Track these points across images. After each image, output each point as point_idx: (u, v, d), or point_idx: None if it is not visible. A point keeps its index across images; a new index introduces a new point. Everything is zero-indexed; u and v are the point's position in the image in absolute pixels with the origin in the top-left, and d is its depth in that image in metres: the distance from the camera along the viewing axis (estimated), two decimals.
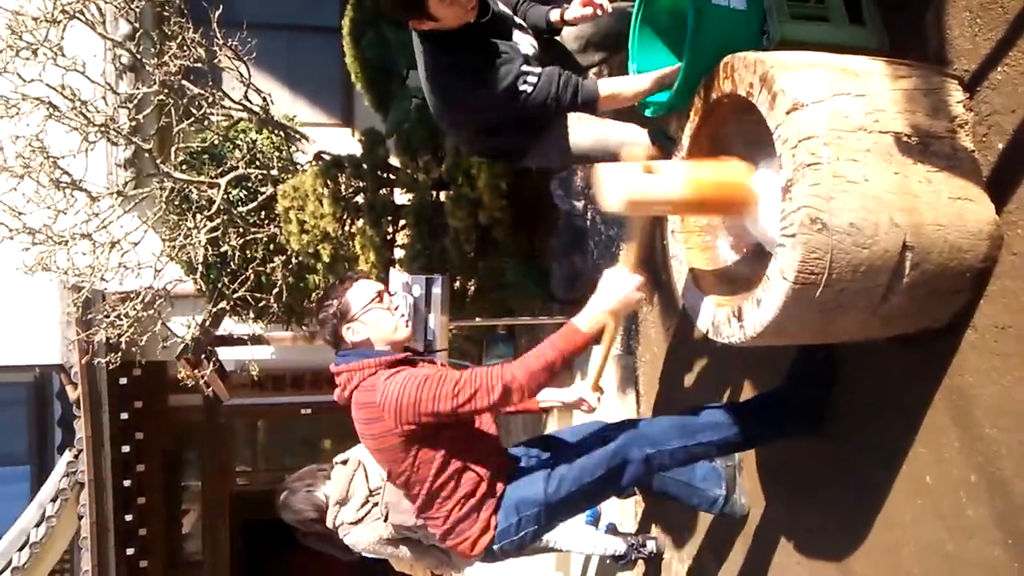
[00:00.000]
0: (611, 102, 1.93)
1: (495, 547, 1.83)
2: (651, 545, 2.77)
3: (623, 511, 3.03)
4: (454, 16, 1.81)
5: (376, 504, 2.14)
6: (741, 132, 1.71)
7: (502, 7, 2.03)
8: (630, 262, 1.71)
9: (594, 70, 2.31)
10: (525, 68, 1.88)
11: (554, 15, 2.05)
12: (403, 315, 1.91)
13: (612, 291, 1.71)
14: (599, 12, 1.98)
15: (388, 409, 1.72)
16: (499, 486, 1.83)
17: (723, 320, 1.64)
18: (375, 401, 1.74)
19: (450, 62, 1.90)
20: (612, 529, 2.97)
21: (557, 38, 2.16)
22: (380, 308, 1.84)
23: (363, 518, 2.17)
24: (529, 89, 1.87)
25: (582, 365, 3.59)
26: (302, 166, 4.70)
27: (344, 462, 2.20)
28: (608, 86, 1.93)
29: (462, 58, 1.88)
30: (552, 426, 3.66)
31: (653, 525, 2.87)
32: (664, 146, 2.05)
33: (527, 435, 4.15)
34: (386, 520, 2.12)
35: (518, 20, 2.05)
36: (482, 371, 1.72)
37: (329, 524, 2.17)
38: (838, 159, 1.40)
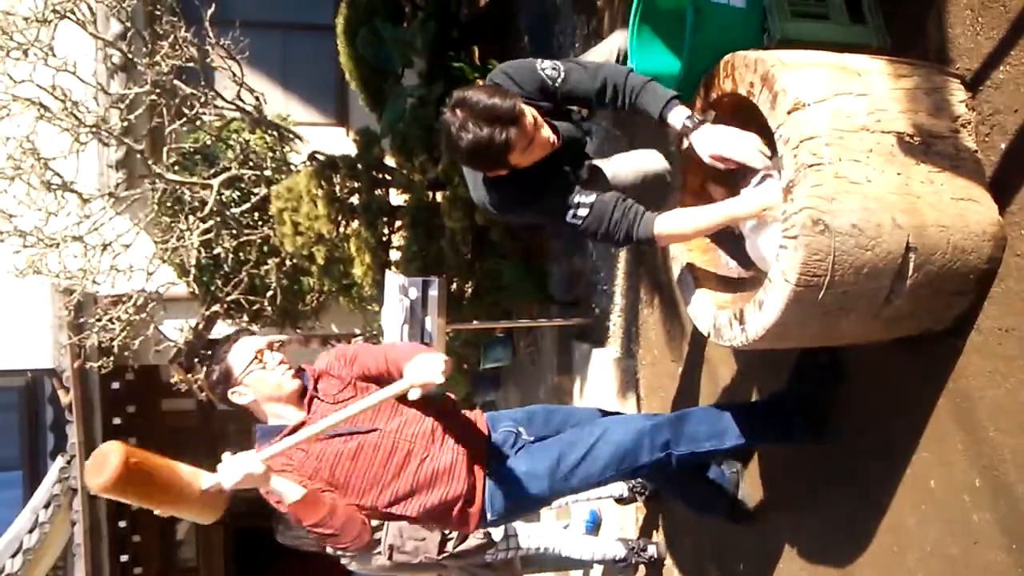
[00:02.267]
0: (668, 241, 1.75)
1: (488, 524, 1.90)
2: (652, 550, 2.76)
3: (624, 516, 3.02)
4: (532, 160, 1.70)
5: (378, 541, 2.15)
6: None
7: (570, 124, 1.84)
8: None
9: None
10: (578, 199, 1.71)
11: (677, 120, 1.64)
12: (289, 367, 1.83)
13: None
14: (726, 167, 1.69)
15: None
16: (473, 485, 1.84)
17: (724, 323, 1.62)
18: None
19: (506, 191, 1.79)
20: (597, 521, 2.98)
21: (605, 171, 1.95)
22: (259, 369, 1.80)
23: (365, 551, 2.16)
24: (579, 223, 1.73)
25: (580, 367, 3.56)
26: (296, 167, 4.66)
27: None
28: (667, 225, 1.67)
29: (518, 187, 1.76)
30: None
31: (654, 531, 2.85)
32: (671, 158, 2.02)
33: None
34: (390, 559, 2.13)
35: (582, 127, 1.89)
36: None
37: (330, 552, 2.16)
38: (840, 159, 1.39)
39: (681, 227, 1.67)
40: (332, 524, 1.71)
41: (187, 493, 1.56)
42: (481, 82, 1.91)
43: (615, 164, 2.03)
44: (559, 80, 1.74)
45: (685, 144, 1.68)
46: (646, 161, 2.07)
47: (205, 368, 1.88)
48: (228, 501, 1.62)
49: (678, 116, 1.63)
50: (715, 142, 1.59)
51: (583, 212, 1.71)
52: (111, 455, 1.48)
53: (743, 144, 1.57)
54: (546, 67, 1.75)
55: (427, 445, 1.82)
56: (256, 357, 1.79)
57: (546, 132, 1.69)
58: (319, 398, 1.82)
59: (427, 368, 1.68)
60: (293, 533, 2.20)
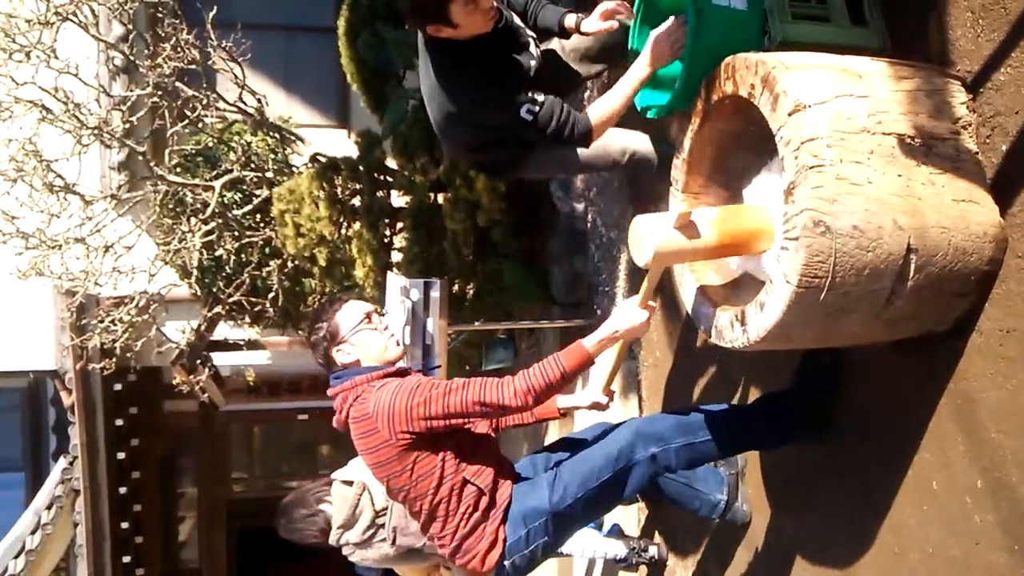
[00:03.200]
0: (606, 126, 1.93)
1: (506, 562, 1.80)
2: (653, 550, 2.76)
3: (626, 517, 3.02)
4: (474, 24, 1.79)
5: (382, 526, 2.14)
6: (743, 134, 1.70)
7: (515, 19, 2.00)
8: (644, 297, 1.74)
9: (593, 81, 2.29)
10: (530, 95, 1.86)
11: (569, 20, 2.02)
12: (393, 334, 1.90)
13: (623, 319, 1.74)
14: (616, 25, 1.96)
15: (380, 418, 1.71)
16: (503, 497, 1.81)
17: (726, 324, 1.62)
18: (368, 412, 1.74)
19: (459, 75, 1.88)
20: (617, 530, 2.96)
21: (555, 47, 2.13)
22: (369, 329, 1.84)
23: (368, 539, 2.15)
24: (530, 118, 1.86)
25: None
26: (298, 168, 4.66)
27: (347, 482, 2.17)
28: (597, 111, 1.91)
29: (471, 72, 1.86)
30: (553, 435, 3.64)
31: (656, 532, 2.85)
32: (666, 153, 2.04)
33: (529, 444, 4.14)
34: (393, 544, 2.12)
35: (527, 32, 2.02)
36: (479, 380, 1.72)
37: (332, 543, 2.16)
38: (841, 161, 1.39)
39: (608, 107, 1.88)
40: (556, 384, 1.75)
41: None
42: None
43: (606, 135, 2.08)
44: None
45: (570, 23, 2.01)
46: (635, 141, 2.14)
47: (308, 329, 1.92)
48: None
49: (569, 16, 1.99)
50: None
51: (535, 108, 1.87)
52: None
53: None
54: None
55: (497, 448, 1.90)
56: (366, 318, 1.84)
57: None
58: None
59: (632, 316, 1.73)
60: (295, 527, 2.20)
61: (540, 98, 1.88)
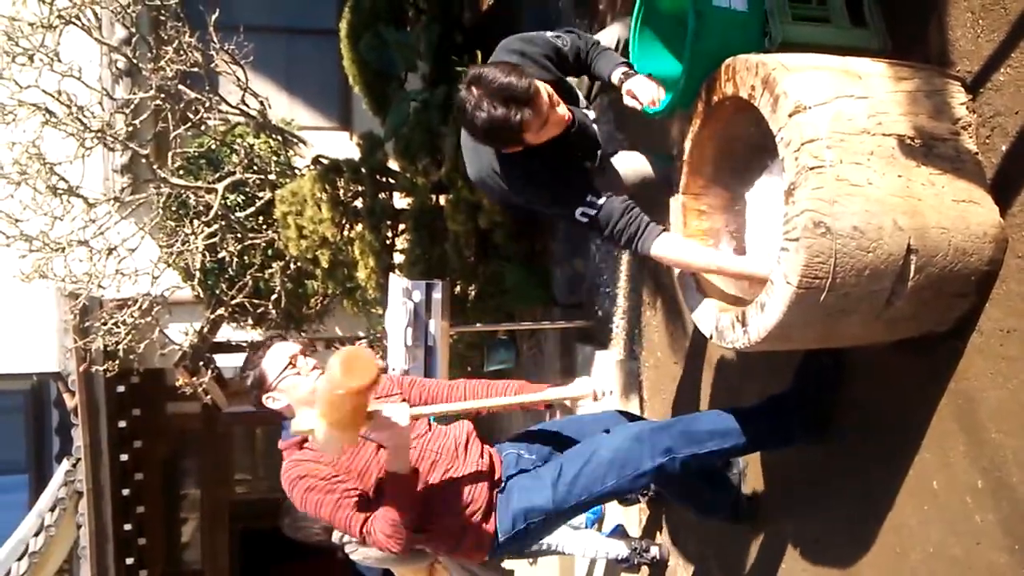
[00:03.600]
0: (662, 262, 1.85)
1: (499, 548, 1.85)
2: (654, 551, 2.76)
3: (628, 518, 3.02)
4: (546, 138, 1.73)
5: None
6: (743, 135, 1.70)
7: (586, 114, 1.92)
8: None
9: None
10: (590, 199, 1.76)
11: (616, 76, 1.87)
12: (320, 372, 1.82)
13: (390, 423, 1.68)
14: (651, 106, 1.84)
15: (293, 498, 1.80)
16: (490, 501, 1.83)
17: (727, 325, 1.62)
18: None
19: (520, 171, 1.81)
20: (620, 531, 2.96)
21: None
22: (293, 375, 1.80)
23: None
24: (585, 220, 1.79)
25: (584, 369, 3.58)
26: (300, 170, 4.68)
27: None
28: (665, 250, 1.74)
29: (534, 170, 1.79)
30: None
31: (658, 532, 2.85)
32: (664, 169, 2.04)
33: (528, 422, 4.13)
34: None
35: (590, 118, 1.95)
36: (348, 516, 1.74)
37: (335, 540, 2.16)
38: (841, 162, 1.39)
39: (677, 258, 1.76)
40: (414, 511, 1.71)
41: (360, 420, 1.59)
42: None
43: (619, 164, 2.06)
44: (565, 42, 1.86)
45: (617, 80, 1.87)
46: (642, 164, 2.12)
47: (240, 374, 1.88)
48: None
49: (617, 71, 1.86)
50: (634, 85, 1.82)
51: (592, 212, 1.77)
52: (374, 365, 1.52)
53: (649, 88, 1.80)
54: (552, 33, 1.88)
55: (451, 459, 1.85)
56: (290, 363, 1.80)
57: (561, 110, 1.73)
58: None
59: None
60: (299, 525, 2.21)
61: (600, 201, 1.76)
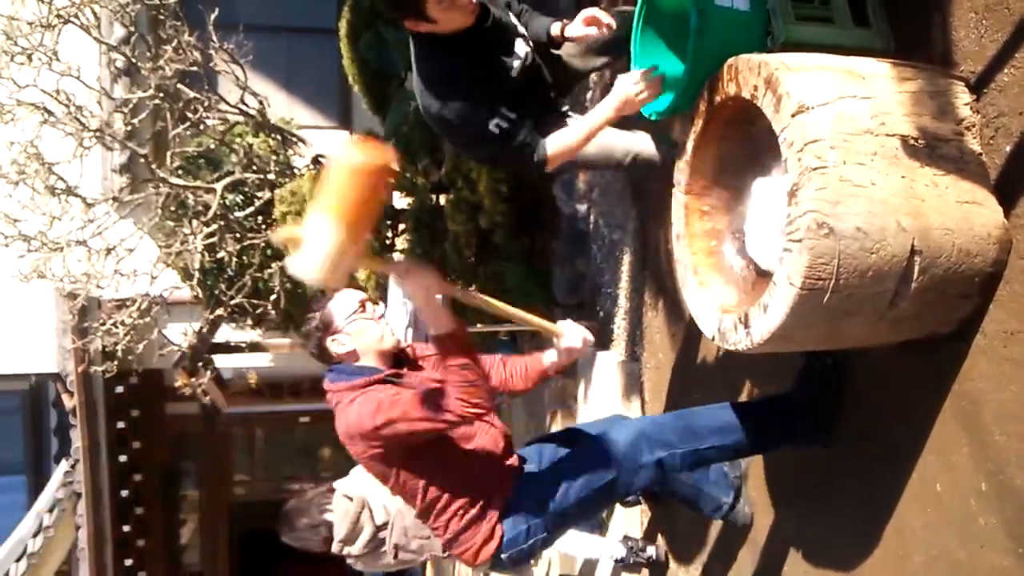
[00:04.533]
0: (561, 159, 1.92)
1: (503, 556, 1.80)
2: (651, 551, 2.76)
3: (629, 518, 3.01)
4: (452, 20, 1.76)
5: (384, 539, 2.15)
6: (746, 135, 1.69)
7: (509, 15, 1.98)
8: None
9: (594, 76, 2.27)
10: (503, 110, 1.83)
11: (555, 29, 2.00)
12: (388, 323, 1.87)
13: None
14: (604, 31, 1.94)
15: (351, 435, 1.71)
16: (503, 495, 1.80)
17: (729, 326, 1.61)
18: (342, 428, 1.74)
19: (440, 72, 1.84)
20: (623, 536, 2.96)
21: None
22: (364, 318, 1.80)
23: (370, 552, 2.17)
24: (496, 131, 1.85)
25: (585, 370, 3.57)
26: (299, 170, 4.67)
27: (348, 497, 2.17)
28: (555, 143, 1.89)
29: (453, 70, 1.82)
30: (556, 427, 3.63)
31: (659, 533, 2.84)
32: (668, 152, 2.04)
33: (532, 431, 4.13)
34: (395, 558, 2.13)
35: (520, 28, 2.01)
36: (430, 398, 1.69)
37: (335, 551, 2.16)
38: (844, 163, 1.39)
39: (566, 141, 1.87)
40: (475, 371, 1.62)
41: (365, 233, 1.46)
42: None
43: (610, 135, 2.07)
44: None
45: (556, 31, 2.00)
46: (638, 142, 2.14)
47: (305, 319, 1.85)
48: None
49: (555, 25, 1.99)
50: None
51: (505, 125, 1.84)
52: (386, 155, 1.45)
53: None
54: None
55: (499, 440, 1.84)
56: (360, 306, 1.80)
57: None
58: (406, 363, 1.87)
59: (580, 334, 1.89)
60: (297, 533, 2.20)
61: (511, 115, 1.84)
